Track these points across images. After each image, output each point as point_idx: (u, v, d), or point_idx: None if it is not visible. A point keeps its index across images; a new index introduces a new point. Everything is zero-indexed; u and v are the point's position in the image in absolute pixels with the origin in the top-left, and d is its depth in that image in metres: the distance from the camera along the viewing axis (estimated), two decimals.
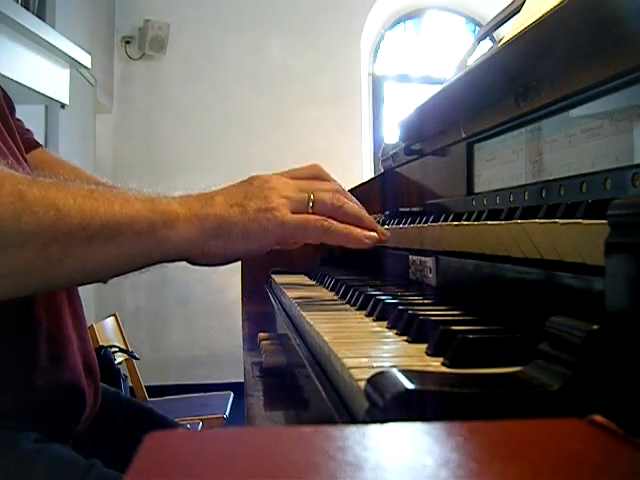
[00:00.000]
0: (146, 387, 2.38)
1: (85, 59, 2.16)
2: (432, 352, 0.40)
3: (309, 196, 0.63)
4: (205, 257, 0.60)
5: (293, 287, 0.88)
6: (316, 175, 0.69)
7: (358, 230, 0.64)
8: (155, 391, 2.53)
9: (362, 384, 0.31)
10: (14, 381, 0.65)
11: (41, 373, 0.67)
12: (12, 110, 0.89)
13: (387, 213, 1.07)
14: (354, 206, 0.66)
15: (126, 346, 2.37)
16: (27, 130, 0.93)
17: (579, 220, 0.39)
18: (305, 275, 1.07)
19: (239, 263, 1.23)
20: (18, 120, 0.91)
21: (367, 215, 0.67)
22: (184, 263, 0.63)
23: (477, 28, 4.22)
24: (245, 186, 0.63)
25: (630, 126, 0.52)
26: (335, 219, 0.64)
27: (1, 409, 0.64)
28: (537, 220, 0.46)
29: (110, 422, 0.84)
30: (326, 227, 0.62)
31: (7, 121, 0.81)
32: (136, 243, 0.56)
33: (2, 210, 0.50)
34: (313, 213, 0.63)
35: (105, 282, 0.65)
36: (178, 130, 3.77)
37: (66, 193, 0.54)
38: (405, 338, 0.45)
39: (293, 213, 0.62)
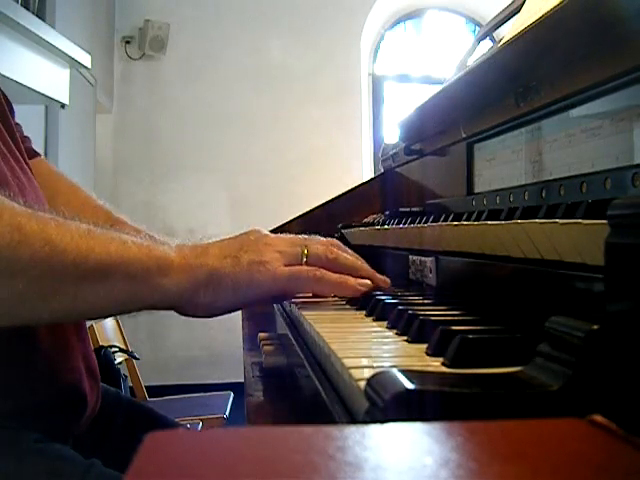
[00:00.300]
0: (146, 387, 2.38)
1: (85, 59, 2.16)
2: (432, 352, 0.40)
3: (303, 249, 0.63)
4: (195, 307, 0.60)
5: None
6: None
7: (352, 279, 0.64)
8: (155, 391, 2.53)
9: (362, 384, 0.31)
10: (15, 383, 0.65)
11: (42, 375, 0.67)
12: (11, 112, 0.88)
13: (387, 213, 1.07)
14: (349, 257, 0.66)
15: (126, 346, 2.37)
16: (26, 137, 0.91)
17: (579, 220, 0.39)
18: None
19: None
20: (17, 124, 0.90)
21: (364, 265, 0.67)
22: None
23: (477, 28, 4.22)
24: (242, 239, 0.64)
25: (630, 126, 0.52)
26: (330, 271, 0.63)
27: (2, 409, 0.64)
28: (537, 220, 0.46)
29: (110, 422, 0.84)
30: (318, 277, 0.62)
31: (7, 121, 0.80)
32: (128, 286, 0.56)
33: None
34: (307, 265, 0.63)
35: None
36: (178, 130, 3.76)
37: (64, 230, 0.54)
38: (405, 338, 0.45)
39: (287, 266, 0.62)
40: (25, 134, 0.92)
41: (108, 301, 0.56)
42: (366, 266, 0.67)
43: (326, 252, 0.64)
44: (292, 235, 0.67)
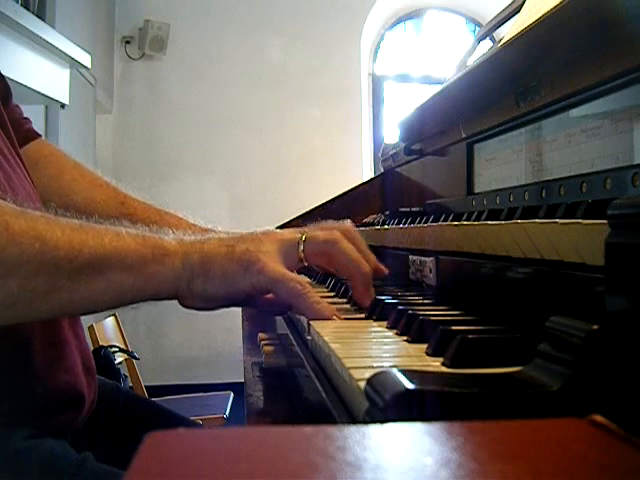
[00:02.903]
0: (146, 387, 2.38)
1: (85, 59, 2.16)
2: (432, 352, 0.40)
3: (301, 235, 0.60)
4: (191, 295, 0.58)
5: None
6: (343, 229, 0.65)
7: (327, 308, 0.57)
8: (155, 391, 2.53)
9: (362, 384, 0.31)
10: (12, 384, 0.64)
11: (39, 375, 0.66)
12: (8, 97, 0.85)
13: (387, 213, 1.07)
14: (351, 249, 0.60)
15: (126, 346, 2.37)
16: (25, 119, 0.88)
17: (579, 220, 0.39)
18: (305, 275, 1.07)
19: None
20: (16, 106, 0.88)
21: (365, 267, 0.60)
22: None
23: (477, 28, 4.21)
24: (247, 233, 0.62)
25: (630, 126, 0.52)
26: (329, 257, 0.60)
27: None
28: (537, 220, 0.46)
29: (109, 414, 0.83)
30: (298, 291, 0.57)
31: None
32: (125, 278, 0.55)
33: None
34: (305, 255, 0.60)
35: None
36: (178, 130, 3.76)
37: (54, 226, 0.53)
38: (405, 338, 0.45)
39: (282, 259, 0.59)
40: (25, 116, 0.89)
41: (106, 294, 0.55)
42: (367, 269, 0.61)
43: (326, 236, 0.60)
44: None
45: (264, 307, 0.65)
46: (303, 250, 0.60)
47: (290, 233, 0.62)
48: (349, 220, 0.67)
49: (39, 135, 0.90)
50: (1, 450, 0.60)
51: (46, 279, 0.52)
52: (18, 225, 0.51)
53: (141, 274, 0.56)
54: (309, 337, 0.55)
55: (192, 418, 2.01)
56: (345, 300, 0.69)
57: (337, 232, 0.61)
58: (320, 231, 0.62)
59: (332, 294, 0.77)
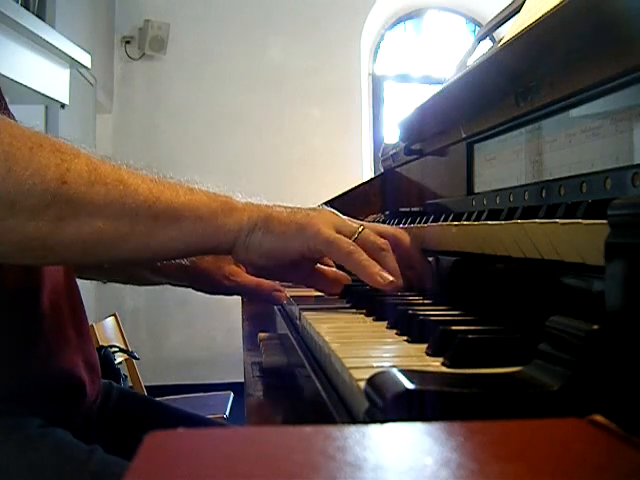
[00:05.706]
0: (146, 387, 2.38)
1: (85, 59, 2.16)
2: (432, 352, 0.40)
3: (357, 229, 0.63)
4: (246, 249, 0.62)
5: (293, 287, 0.88)
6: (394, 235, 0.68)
7: (376, 267, 0.61)
8: (155, 391, 2.53)
9: (362, 384, 0.31)
10: (14, 370, 0.69)
11: (39, 361, 0.70)
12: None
13: (387, 213, 1.07)
14: (393, 260, 0.63)
15: (126, 346, 2.37)
16: None
17: (579, 220, 0.39)
18: None
19: None
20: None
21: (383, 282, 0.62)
22: None
23: (477, 28, 4.21)
24: (314, 207, 0.67)
25: (630, 126, 0.52)
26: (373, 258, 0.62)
27: (4, 394, 0.67)
28: (537, 220, 0.46)
29: (108, 413, 0.85)
30: (351, 251, 0.61)
31: None
32: (196, 227, 0.59)
33: (77, 177, 0.52)
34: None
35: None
36: (178, 130, 3.76)
37: (135, 174, 0.58)
38: (405, 338, 0.45)
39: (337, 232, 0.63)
40: None
41: (178, 242, 0.59)
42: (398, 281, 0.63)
43: (377, 241, 0.63)
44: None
45: (311, 278, 0.70)
46: (355, 240, 0.63)
47: (351, 221, 0.66)
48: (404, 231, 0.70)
49: None
50: (15, 437, 0.65)
51: (127, 222, 0.56)
52: (104, 168, 0.55)
53: (210, 225, 0.60)
54: (304, 331, 0.55)
55: None
56: (345, 300, 0.69)
57: (386, 243, 0.64)
58: (376, 233, 0.64)
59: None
